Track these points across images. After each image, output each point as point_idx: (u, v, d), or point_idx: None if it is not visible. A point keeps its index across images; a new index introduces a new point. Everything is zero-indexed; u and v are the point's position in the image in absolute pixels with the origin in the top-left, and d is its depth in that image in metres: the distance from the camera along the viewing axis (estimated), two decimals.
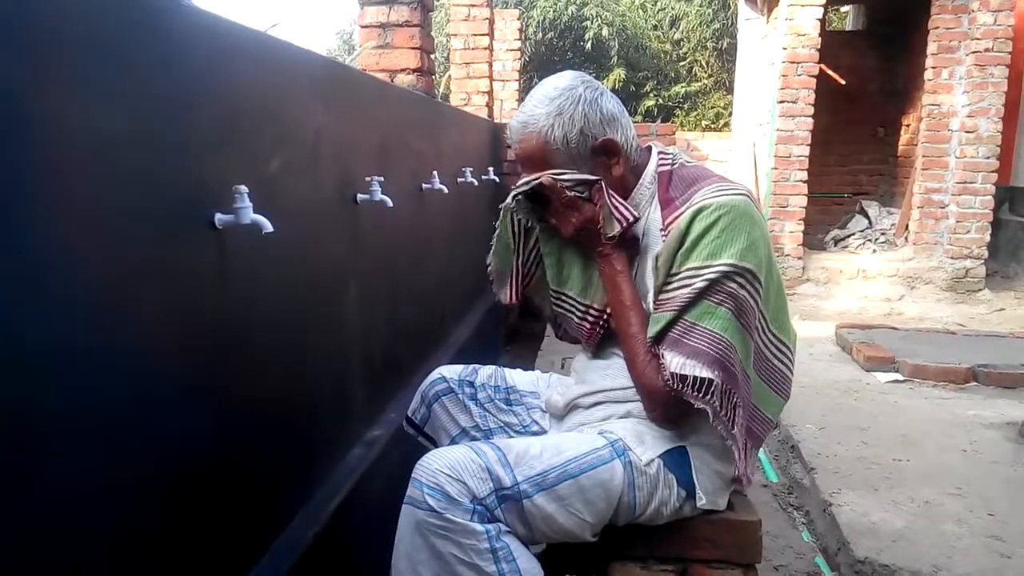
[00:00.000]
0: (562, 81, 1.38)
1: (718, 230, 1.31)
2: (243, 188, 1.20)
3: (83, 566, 0.90)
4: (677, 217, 1.36)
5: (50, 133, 0.83)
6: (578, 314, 1.51)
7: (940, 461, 2.79)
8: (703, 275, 1.30)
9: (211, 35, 1.22)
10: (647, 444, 1.39)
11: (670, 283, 1.33)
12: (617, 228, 1.38)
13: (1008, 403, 3.48)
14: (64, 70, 0.85)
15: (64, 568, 0.86)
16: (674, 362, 1.30)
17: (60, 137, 0.85)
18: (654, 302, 1.37)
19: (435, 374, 1.72)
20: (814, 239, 7.10)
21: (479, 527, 1.26)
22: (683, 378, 1.29)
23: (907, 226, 6.68)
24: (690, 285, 1.31)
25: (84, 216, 0.89)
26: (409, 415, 1.72)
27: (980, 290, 6.20)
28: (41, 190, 0.82)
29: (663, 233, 1.39)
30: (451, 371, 1.71)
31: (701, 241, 1.31)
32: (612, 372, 1.48)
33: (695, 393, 1.29)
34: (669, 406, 1.35)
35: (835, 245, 7.15)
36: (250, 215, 1.20)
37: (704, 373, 1.28)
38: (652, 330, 1.34)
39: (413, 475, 1.30)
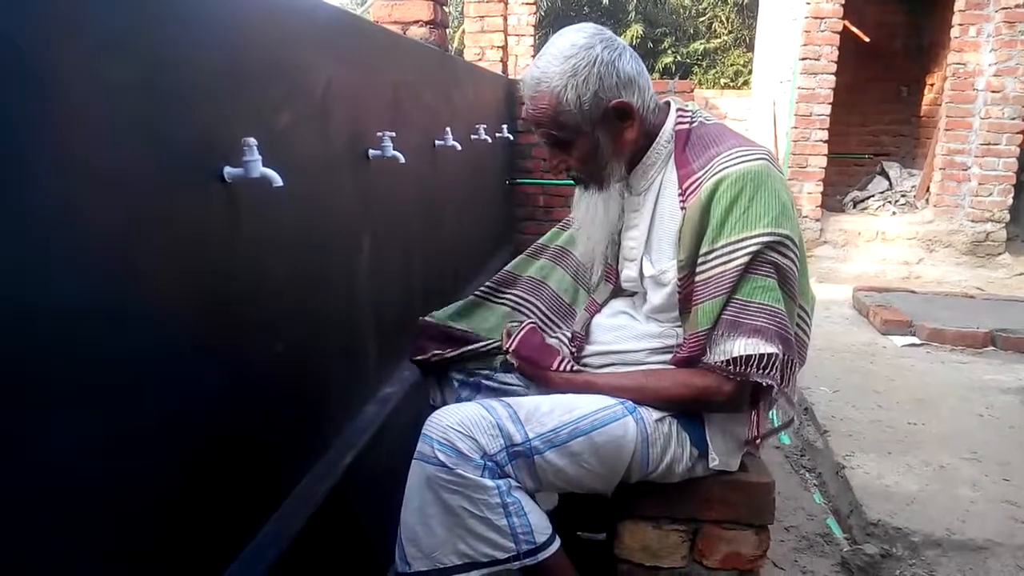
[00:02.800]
0: (580, 37, 1.32)
1: (747, 199, 1.26)
2: (252, 141, 1.17)
3: (92, 522, 0.89)
4: (696, 183, 1.32)
5: (51, 84, 0.80)
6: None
7: (956, 425, 2.77)
8: (744, 248, 1.26)
9: None
10: None
11: (706, 261, 1.29)
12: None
13: None
14: (65, 17, 0.82)
15: (72, 524, 0.86)
16: (737, 345, 1.26)
17: (61, 87, 0.82)
18: (682, 279, 1.33)
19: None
20: (833, 200, 7.00)
21: (490, 482, 1.26)
22: (747, 359, 1.25)
23: (928, 188, 6.56)
24: (732, 261, 1.26)
25: (87, 169, 0.87)
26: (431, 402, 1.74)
27: (1000, 254, 6.11)
28: (42, 142, 0.79)
29: (680, 197, 1.35)
30: None
31: (732, 213, 1.27)
32: (622, 334, 1.46)
33: (760, 371, 1.25)
34: (734, 392, 1.31)
35: (854, 207, 7.05)
36: (259, 168, 1.18)
37: (769, 349, 1.25)
38: (704, 318, 1.30)
39: (423, 431, 1.30)
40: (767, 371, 1.25)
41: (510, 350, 1.50)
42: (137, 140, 0.96)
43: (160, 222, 1.02)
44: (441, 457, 1.25)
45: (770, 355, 1.25)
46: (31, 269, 0.77)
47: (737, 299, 1.28)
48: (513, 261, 1.76)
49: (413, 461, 1.29)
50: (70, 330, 0.84)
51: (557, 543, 1.32)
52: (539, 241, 1.76)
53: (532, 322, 1.57)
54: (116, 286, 0.93)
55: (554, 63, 1.32)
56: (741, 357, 1.26)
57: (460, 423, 1.28)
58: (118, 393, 0.93)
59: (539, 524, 1.30)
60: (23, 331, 0.77)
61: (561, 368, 1.45)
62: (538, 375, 1.47)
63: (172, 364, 1.05)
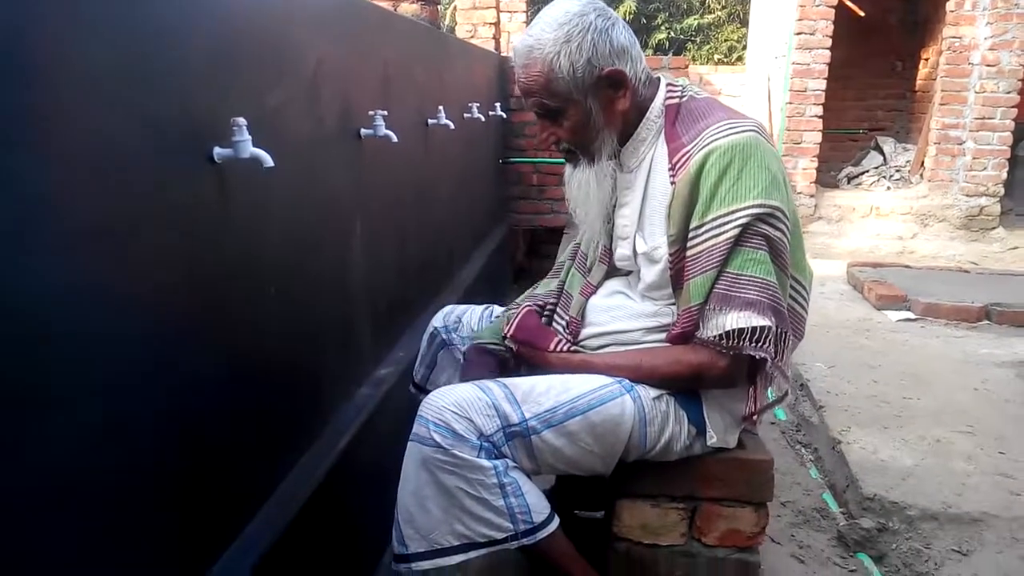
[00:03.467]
0: (573, 5, 1.31)
1: (736, 172, 1.25)
2: (241, 120, 1.15)
3: (89, 511, 0.89)
4: (685, 157, 1.31)
5: (34, 64, 0.78)
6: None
7: (951, 400, 2.78)
8: (734, 221, 1.25)
9: None
10: None
11: (696, 235, 1.28)
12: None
13: (1021, 341, 3.45)
14: None
15: (69, 514, 0.85)
16: (729, 319, 1.25)
17: (45, 67, 0.80)
18: (673, 254, 1.32)
19: (429, 327, 1.73)
20: (827, 176, 6.98)
21: (486, 463, 1.26)
22: (740, 332, 1.24)
23: (922, 163, 6.54)
24: (722, 233, 1.25)
25: (71, 152, 0.85)
26: (413, 376, 1.73)
27: (994, 228, 6.11)
28: (23, 125, 0.77)
29: (671, 172, 1.34)
30: (443, 320, 1.71)
31: (721, 186, 1.26)
32: (618, 314, 1.45)
33: (753, 344, 1.25)
34: (729, 366, 1.30)
35: (848, 182, 7.03)
36: (250, 149, 1.16)
37: (762, 322, 1.24)
38: (697, 292, 1.28)
39: (419, 412, 1.29)
40: (760, 344, 1.25)
41: (508, 335, 1.49)
42: (122, 121, 0.94)
43: (148, 205, 1.00)
44: (437, 438, 1.24)
45: (763, 328, 1.24)
46: (11, 257, 0.75)
47: (728, 272, 1.27)
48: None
49: (409, 442, 1.29)
50: (52, 319, 0.82)
51: (555, 523, 1.32)
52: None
53: (529, 305, 1.56)
54: (102, 272, 0.91)
55: (547, 30, 1.30)
56: (734, 331, 1.25)
57: (456, 404, 1.27)
58: (107, 379, 0.92)
59: (537, 504, 1.30)
60: (13, 317, 0.75)
61: (558, 349, 1.44)
62: (536, 357, 1.47)
63: (162, 349, 1.04)
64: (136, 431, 0.97)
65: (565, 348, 1.45)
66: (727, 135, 1.27)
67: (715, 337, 1.27)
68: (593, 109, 1.33)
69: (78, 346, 0.86)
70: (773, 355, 1.26)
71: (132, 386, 0.96)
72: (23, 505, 0.78)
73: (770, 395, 1.43)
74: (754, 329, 1.24)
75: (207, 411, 1.16)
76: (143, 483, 1.00)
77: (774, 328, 1.25)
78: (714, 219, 1.26)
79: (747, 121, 1.31)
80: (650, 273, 1.38)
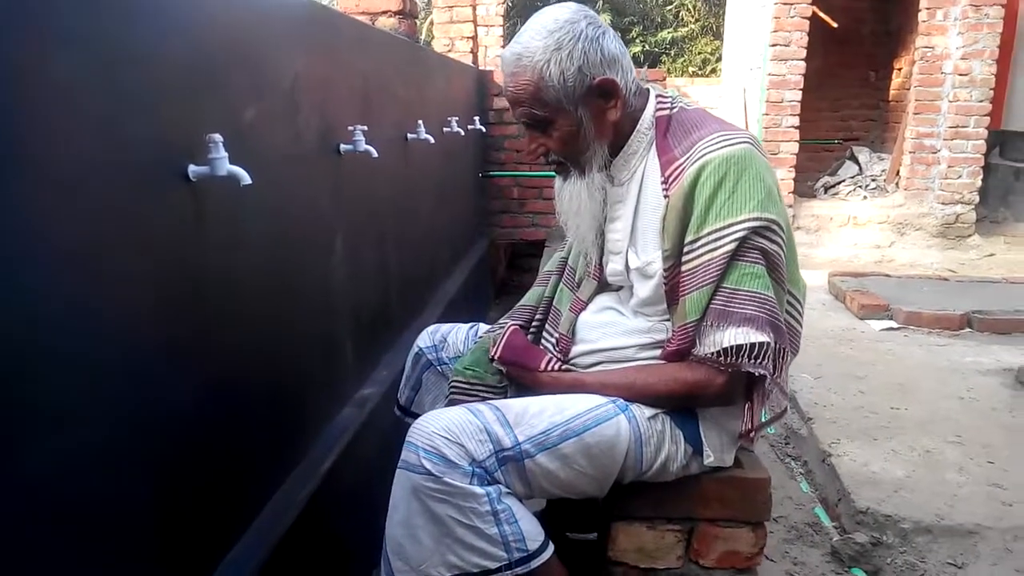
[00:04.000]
0: (563, 13, 1.27)
1: (731, 185, 1.22)
2: (217, 137, 1.11)
3: (67, 544, 0.83)
4: (679, 170, 1.27)
5: (1, 82, 0.73)
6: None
7: (938, 409, 2.77)
8: (730, 235, 1.21)
9: None
10: None
11: (692, 250, 1.25)
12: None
13: (1003, 349, 3.46)
14: (14, 13, 0.75)
15: (43, 542, 0.79)
16: (727, 336, 1.21)
17: (11, 85, 0.75)
18: (667, 269, 1.28)
19: (413, 347, 1.68)
20: (803, 186, 7.02)
21: (479, 490, 1.21)
22: (739, 348, 1.21)
23: (898, 172, 6.60)
24: (718, 248, 1.22)
25: (41, 171, 0.80)
26: (398, 399, 1.68)
27: (970, 236, 6.17)
28: None
29: (663, 185, 1.30)
30: (429, 339, 1.66)
31: (716, 199, 1.22)
32: (610, 331, 1.41)
33: (752, 360, 1.21)
34: (727, 383, 1.26)
35: (825, 192, 7.08)
36: (226, 166, 1.12)
37: (760, 338, 1.20)
38: (692, 308, 1.25)
39: (408, 438, 1.24)
40: (759, 360, 1.21)
41: (495, 357, 1.45)
42: (94, 139, 0.90)
43: (122, 225, 0.96)
44: (427, 465, 1.19)
45: (762, 344, 1.21)
46: None
47: (725, 287, 1.23)
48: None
49: (397, 470, 1.23)
50: (28, 343, 0.77)
51: (550, 549, 1.27)
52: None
53: (514, 324, 1.52)
54: (77, 296, 0.86)
55: (537, 37, 1.26)
56: (732, 347, 1.21)
57: (446, 428, 1.22)
58: (83, 405, 0.87)
59: (531, 531, 1.25)
60: None
61: (548, 368, 1.40)
62: (525, 378, 1.42)
63: (140, 373, 1.00)
64: (105, 461, 0.92)
65: (556, 367, 1.40)
66: (721, 147, 1.24)
67: (712, 354, 1.23)
68: (584, 119, 1.29)
69: (46, 372, 0.81)
70: (772, 371, 1.23)
71: (103, 413, 0.91)
72: None
73: (764, 415, 1.39)
74: (753, 345, 1.20)
75: (182, 437, 1.11)
76: (116, 514, 0.94)
77: (773, 344, 1.21)
78: (710, 233, 1.23)
79: (741, 133, 1.28)
80: (644, 289, 1.34)
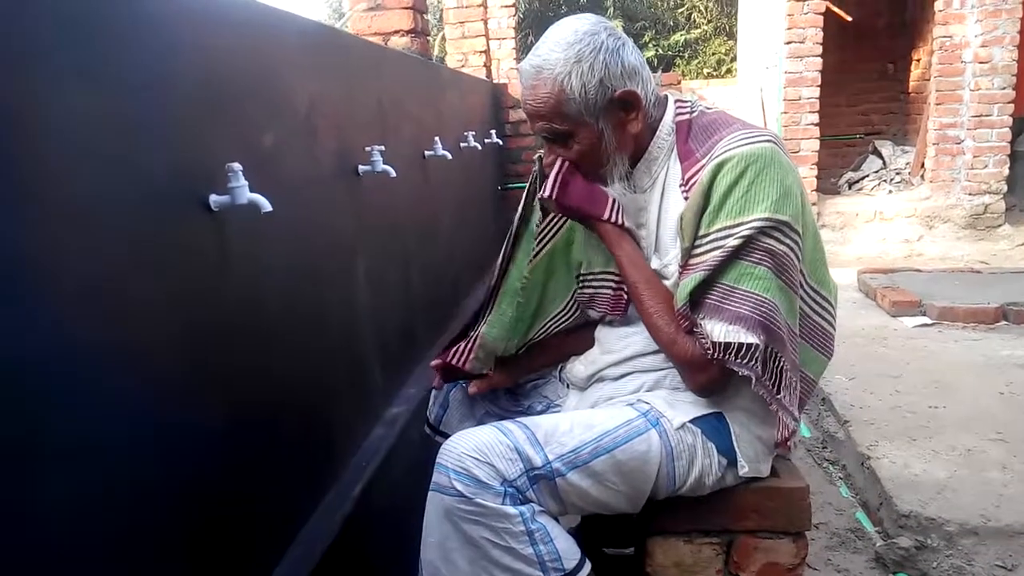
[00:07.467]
0: (582, 24, 1.25)
1: (747, 182, 1.20)
2: (236, 166, 1.11)
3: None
4: (699, 171, 1.26)
5: (15, 118, 0.74)
6: (613, 285, 1.42)
7: (977, 406, 2.70)
8: (737, 232, 1.20)
9: (190, 1, 1.12)
10: (679, 409, 1.31)
11: (700, 245, 1.24)
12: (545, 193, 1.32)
13: None
14: (27, 46, 0.76)
15: None
16: (716, 330, 1.20)
17: (27, 122, 0.75)
18: (683, 266, 1.27)
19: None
20: (827, 183, 6.94)
21: (512, 510, 1.19)
22: (727, 346, 1.20)
23: (923, 164, 6.50)
24: (723, 245, 1.21)
25: (60, 208, 0.80)
26: (427, 417, 1.66)
27: (1000, 225, 6.05)
28: (8, 181, 0.72)
29: (683, 189, 1.29)
30: None
31: (730, 196, 1.21)
32: (636, 339, 1.39)
33: (739, 360, 1.20)
34: (712, 374, 1.26)
35: (849, 188, 6.99)
36: (247, 194, 1.12)
37: (748, 339, 1.19)
38: (682, 294, 1.24)
39: (438, 460, 1.23)
40: (746, 361, 1.20)
41: (550, 197, 1.33)
42: (113, 173, 0.90)
43: (144, 258, 0.96)
44: (459, 487, 1.18)
45: (749, 345, 1.19)
46: (13, 315, 0.71)
47: (722, 284, 1.22)
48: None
49: (429, 492, 1.22)
50: (48, 379, 0.77)
51: (587, 568, 1.25)
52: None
53: (569, 163, 1.34)
54: (101, 330, 0.86)
55: (556, 50, 1.24)
56: (720, 343, 1.20)
57: (476, 449, 1.21)
58: (109, 436, 0.87)
59: (567, 550, 1.23)
60: (6, 380, 0.71)
61: (613, 219, 1.34)
62: (587, 224, 1.37)
63: (168, 406, 0.99)
64: (136, 495, 0.92)
65: (620, 221, 1.34)
66: (743, 145, 1.23)
67: (703, 346, 1.22)
68: (605, 132, 1.28)
69: (74, 407, 0.80)
70: (760, 374, 1.21)
71: (132, 447, 0.91)
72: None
73: (802, 426, 1.35)
74: (741, 345, 1.19)
75: (213, 467, 1.11)
76: (147, 548, 0.94)
77: (763, 346, 1.19)
78: (719, 230, 1.22)
79: (763, 132, 1.26)
80: None
